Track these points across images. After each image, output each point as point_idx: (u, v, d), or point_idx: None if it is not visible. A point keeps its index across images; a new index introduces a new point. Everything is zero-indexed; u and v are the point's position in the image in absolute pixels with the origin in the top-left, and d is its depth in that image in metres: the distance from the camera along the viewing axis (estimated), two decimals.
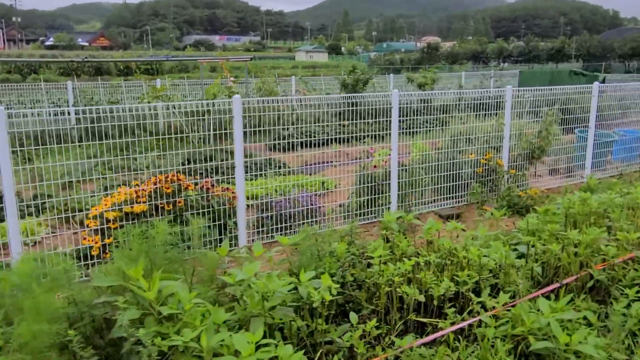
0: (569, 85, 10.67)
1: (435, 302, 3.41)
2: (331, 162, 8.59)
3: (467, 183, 8.87)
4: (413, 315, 3.37)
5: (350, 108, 7.94)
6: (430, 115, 9.14)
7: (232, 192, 6.62)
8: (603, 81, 24.50)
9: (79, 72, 41.22)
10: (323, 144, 8.95)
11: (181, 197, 6.19)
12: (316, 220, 7.52)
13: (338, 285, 3.34)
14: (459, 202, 8.91)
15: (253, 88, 16.01)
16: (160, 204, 6.05)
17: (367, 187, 7.99)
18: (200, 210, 6.31)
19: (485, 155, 9.01)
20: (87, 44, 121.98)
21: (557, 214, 4.19)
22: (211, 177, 6.86)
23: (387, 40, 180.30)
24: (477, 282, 3.76)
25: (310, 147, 8.33)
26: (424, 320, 3.31)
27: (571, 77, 26.29)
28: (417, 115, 8.72)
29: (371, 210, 8.00)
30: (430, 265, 3.93)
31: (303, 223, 7.24)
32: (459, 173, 8.81)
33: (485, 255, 3.85)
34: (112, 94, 17.80)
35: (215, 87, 13.21)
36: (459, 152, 9.04)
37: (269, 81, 15.49)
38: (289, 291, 3.17)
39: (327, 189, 8.63)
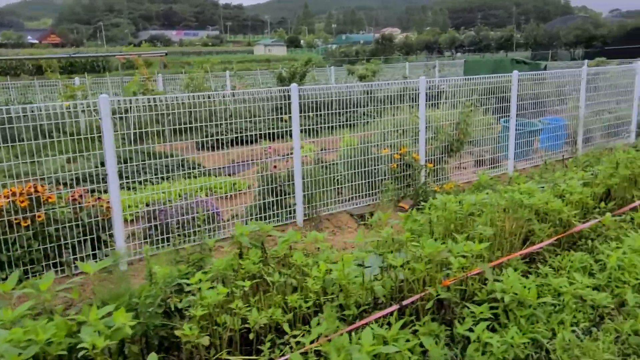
0: (492, 75, 10.42)
1: (251, 336, 2.94)
2: (253, 160, 8.04)
3: (384, 180, 8.49)
4: (224, 353, 2.89)
5: (287, 102, 7.49)
6: (347, 109, 8.69)
7: (107, 203, 6.02)
8: (545, 69, 24.68)
9: (19, 71, 39.40)
10: (255, 141, 8.43)
11: (41, 210, 5.55)
12: (213, 228, 7.01)
13: (137, 321, 2.82)
14: (375, 200, 8.53)
15: (182, 84, 15.32)
16: (15, 219, 5.41)
17: (270, 188, 7.52)
18: (67, 225, 5.70)
19: (400, 149, 8.63)
20: (37, 41, 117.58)
21: (417, 220, 3.78)
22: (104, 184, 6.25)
23: (347, 32, 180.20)
24: (320, 304, 3.31)
25: (242, 144, 7.81)
26: (232, 359, 2.83)
27: (513, 66, 26.38)
28: (328, 109, 8.25)
29: (274, 214, 7.53)
30: (273, 286, 3.46)
31: (197, 231, 6.72)
32: (373, 169, 8.41)
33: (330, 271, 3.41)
34: (23, 94, 16.75)
35: (134, 85, 12.47)
36: (375, 147, 8.65)
37: (198, 76, 14.82)
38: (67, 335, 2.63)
39: (239, 191, 8.10)
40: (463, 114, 9.31)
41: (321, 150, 8.73)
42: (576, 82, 11.82)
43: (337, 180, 8.31)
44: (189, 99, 6.99)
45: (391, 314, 3.04)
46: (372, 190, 8.44)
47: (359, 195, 8.43)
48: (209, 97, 7.35)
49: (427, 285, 3.10)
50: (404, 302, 2.98)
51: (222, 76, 18.55)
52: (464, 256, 3.27)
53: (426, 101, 8.60)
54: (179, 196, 7.15)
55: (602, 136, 13.25)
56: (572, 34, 47.16)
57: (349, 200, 8.46)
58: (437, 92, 9.21)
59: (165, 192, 7.02)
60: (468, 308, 3.18)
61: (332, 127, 8.45)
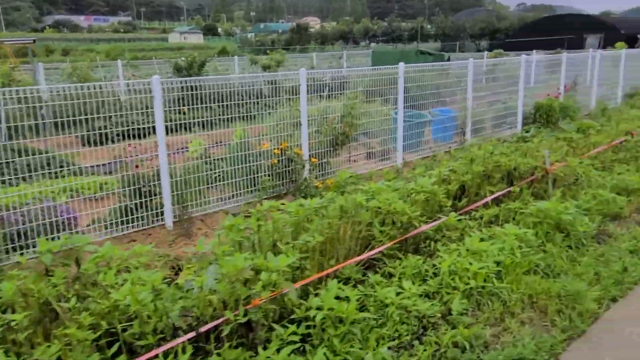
0: (379, 66, 10.34)
1: None
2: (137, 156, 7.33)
3: (267, 175, 8.14)
4: None
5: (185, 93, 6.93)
6: (225, 102, 8.20)
7: None
8: (448, 60, 25.39)
9: None
10: (147, 135, 7.73)
11: None
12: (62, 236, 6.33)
13: None
14: (257, 197, 8.15)
15: (63, 74, 14.15)
16: None
17: (135, 189, 6.94)
18: None
19: (280, 144, 8.31)
20: None
21: (242, 230, 3.44)
22: None
23: (267, 20, 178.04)
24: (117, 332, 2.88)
25: (134, 138, 7.12)
26: None
27: (417, 57, 26.99)
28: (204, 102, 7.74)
29: (141, 217, 6.97)
30: (64, 314, 2.98)
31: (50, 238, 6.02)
32: (254, 165, 8.03)
33: None
34: None
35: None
36: (257, 142, 8.28)
37: (83, 66, 13.72)
38: None
39: (109, 192, 7.41)
40: (347, 106, 9.14)
41: (210, 145, 8.24)
42: (466, 74, 12.01)
43: (216, 177, 7.87)
44: (64, 91, 6.30)
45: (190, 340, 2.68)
46: (254, 187, 8.08)
47: (240, 193, 8.04)
48: (93, 88, 6.68)
49: (230, 307, 2.77)
50: (203, 329, 2.64)
51: (113, 66, 17.36)
52: (282, 270, 2.97)
53: (317, 93, 8.33)
54: (27, 200, 6.41)
55: (493, 126, 13.64)
56: (477, 26, 49.31)
57: (229, 198, 8.05)
58: (322, 84, 8.97)
59: (11, 195, 6.27)
60: (284, 327, 2.88)
61: (225, 119, 8.01)
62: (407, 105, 10.44)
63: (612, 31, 35.33)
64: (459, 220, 4.41)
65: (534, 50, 21.64)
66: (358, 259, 3.61)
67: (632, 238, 4.68)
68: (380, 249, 3.72)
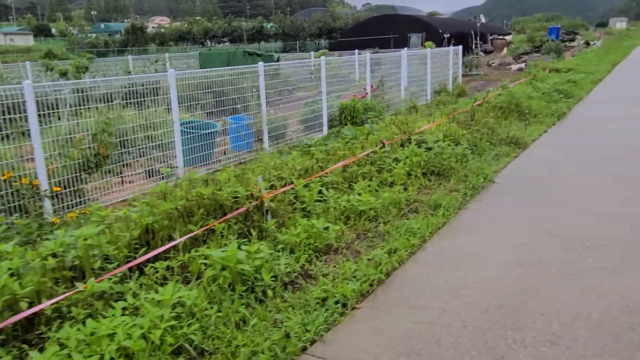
0: (141, 75, 9.24)
1: None
2: None
3: None
4: None
5: None
6: None
7: None
8: (277, 60, 24.97)
9: None
10: None
11: None
12: None
13: None
14: None
15: None
16: None
17: None
18: None
19: (4, 174, 6.86)
20: None
21: None
22: None
23: (111, 20, 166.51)
24: None
25: None
26: None
27: (245, 58, 26.26)
28: None
29: None
30: None
31: None
32: None
33: None
34: None
35: None
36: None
37: None
38: None
39: None
40: (100, 123, 7.92)
41: None
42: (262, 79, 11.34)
43: None
44: None
45: None
46: None
47: None
48: None
49: None
50: None
51: None
52: None
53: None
54: None
55: (301, 130, 13.17)
56: (315, 25, 50.27)
57: None
58: (57, 98, 7.66)
59: None
60: None
61: None
62: (205, 113, 9.51)
63: (432, 31, 37.88)
64: (116, 283, 3.54)
65: (357, 50, 21.96)
66: None
67: (330, 280, 4.18)
68: None
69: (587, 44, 36.77)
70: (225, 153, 11.14)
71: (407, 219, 5.60)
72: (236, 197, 5.03)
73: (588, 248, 4.74)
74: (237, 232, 4.73)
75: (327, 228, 4.82)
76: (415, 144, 7.37)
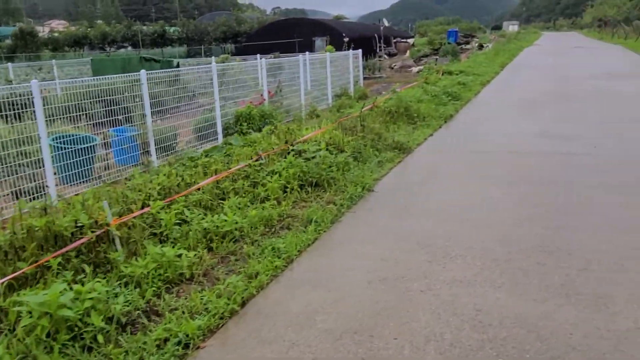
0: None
1: None
2: None
3: None
4: None
5: None
6: None
7: None
8: (177, 66, 23.97)
9: None
10: None
11: None
12: None
13: None
14: None
15: None
16: None
17: None
18: None
19: None
20: None
21: None
22: None
23: (1, 24, 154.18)
24: None
25: None
26: None
27: (142, 64, 25.05)
28: None
29: None
30: None
31: None
32: None
33: None
34: None
35: None
36: None
37: None
38: None
39: None
40: None
41: None
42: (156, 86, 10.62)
43: None
44: None
45: None
46: None
47: None
48: None
49: None
50: None
51: None
52: None
53: None
54: None
55: (194, 139, 12.52)
56: (220, 29, 49.09)
57: None
58: None
59: None
60: None
61: None
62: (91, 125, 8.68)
63: (336, 34, 38.28)
64: None
65: (259, 55, 21.51)
66: None
67: (177, 317, 3.77)
68: None
69: (481, 46, 38.78)
70: (107, 168, 10.34)
71: (279, 236, 5.31)
72: (79, 226, 4.48)
73: (453, 258, 4.68)
74: (82, 265, 4.19)
75: (180, 255, 4.41)
76: (294, 154, 7.12)
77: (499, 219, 5.66)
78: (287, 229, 5.52)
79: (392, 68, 36.76)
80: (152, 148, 11.00)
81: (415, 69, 32.89)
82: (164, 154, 11.16)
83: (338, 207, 6.10)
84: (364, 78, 30.58)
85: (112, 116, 10.35)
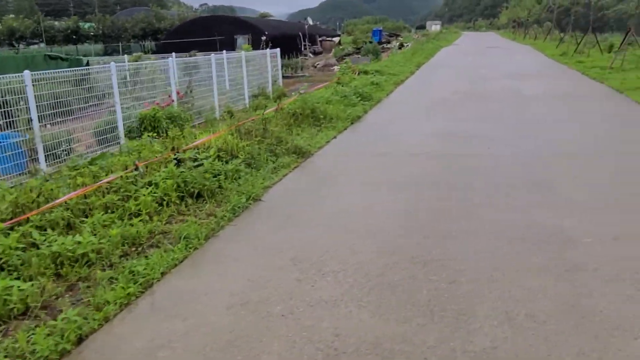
0: None
1: None
2: None
3: None
4: None
5: None
6: None
7: None
8: (87, 64, 22.59)
9: None
10: None
11: None
12: None
13: None
14: None
15: None
16: None
17: None
18: None
19: None
20: None
21: None
22: None
23: None
24: None
25: None
26: None
27: (47, 62, 23.51)
28: None
29: None
30: None
31: None
32: None
33: None
34: None
35: None
36: None
37: None
38: None
39: None
40: None
41: None
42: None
43: None
44: None
45: None
46: None
47: None
48: None
49: None
50: None
51: None
52: None
53: None
54: None
55: (97, 143, 11.64)
56: (138, 26, 46.99)
57: None
58: None
59: None
60: None
61: None
62: None
63: (258, 32, 37.71)
64: None
65: (173, 53, 20.58)
66: None
67: None
68: None
69: (401, 45, 39.49)
70: None
71: (146, 256, 4.84)
72: None
73: (324, 275, 4.42)
74: None
75: (10, 287, 3.86)
76: (176, 163, 6.65)
77: (384, 227, 5.48)
78: (157, 247, 5.07)
79: (315, 67, 36.70)
80: (41, 155, 10.10)
81: (337, 68, 32.95)
82: (57, 160, 10.30)
83: (218, 219, 5.71)
84: (287, 77, 30.30)
85: None
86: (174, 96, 15.41)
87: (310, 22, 50.70)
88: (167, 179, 6.17)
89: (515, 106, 13.06)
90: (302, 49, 45.30)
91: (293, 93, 13.59)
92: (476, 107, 13.09)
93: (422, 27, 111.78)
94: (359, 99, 13.57)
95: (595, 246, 4.83)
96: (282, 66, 30.59)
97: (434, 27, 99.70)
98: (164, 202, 5.91)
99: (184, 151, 7.30)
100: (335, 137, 9.99)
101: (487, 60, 29.80)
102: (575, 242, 4.92)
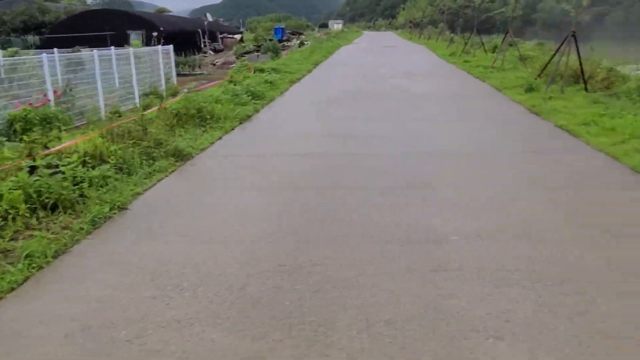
0: None
1: None
2: None
3: None
4: None
5: None
6: None
7: None
8: None
9: None
10: None
11: None
12: None
13: None
14: None
15: None
16: None
17: None
18: None
19: None
20: None
21: None
22: None
23: None
24: None
25: None
26: None
27: None
28: None
29: None
30: None
31: None
32: None
33: None
34: None
35: None
36: None
37: None
38: None
39: None
40: None
41: None
42: None
43: None
44: None
45: None
46: None
47: None
48: None
49: None
50: None
51: None
52: None
53: None
54: None
55: None
56: (19, 19, 43.13)
57: None
58: None
59: None
60: None
61: None
62: None
63: (152, 28, 36.09)
64: None
65: (55, 49, 18.95)
66: None
67: None
68: None
69: (302, 44, 39.63)
70: None
71: None
72: None
73: (182, 291, 4.07)
74: None
75: None
76: (29, 171, 5.97)
77: (254, 234, 5.22)
78: None
79: (215, 65, 35.85)
80: None
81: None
82: None
83: (74, 233, 5.16)
84: (184, 75, 29.26)
85: None
86: (50, 95, 14.24)
87: (210, 19, 49.45)
88: (14, 189, 5.50)
89: (407, 105, 13.37)
90: (202, 46, 44.09)
91: (185, 91, 12.99)
92: (367, 106, 13.26)
93: (325, 25, 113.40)
94: (251, 97, 13.24)
95: (460, 244, 4.90)
96: (178, 64, 29.49)
97: (336, 26, 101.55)
98: (9, 216, 5.25)
99: (44, 157, 6.60)
100: (220, 138, 9.59)
101: (383, 59, 30.61)
102: (441, 241, 4.97)
